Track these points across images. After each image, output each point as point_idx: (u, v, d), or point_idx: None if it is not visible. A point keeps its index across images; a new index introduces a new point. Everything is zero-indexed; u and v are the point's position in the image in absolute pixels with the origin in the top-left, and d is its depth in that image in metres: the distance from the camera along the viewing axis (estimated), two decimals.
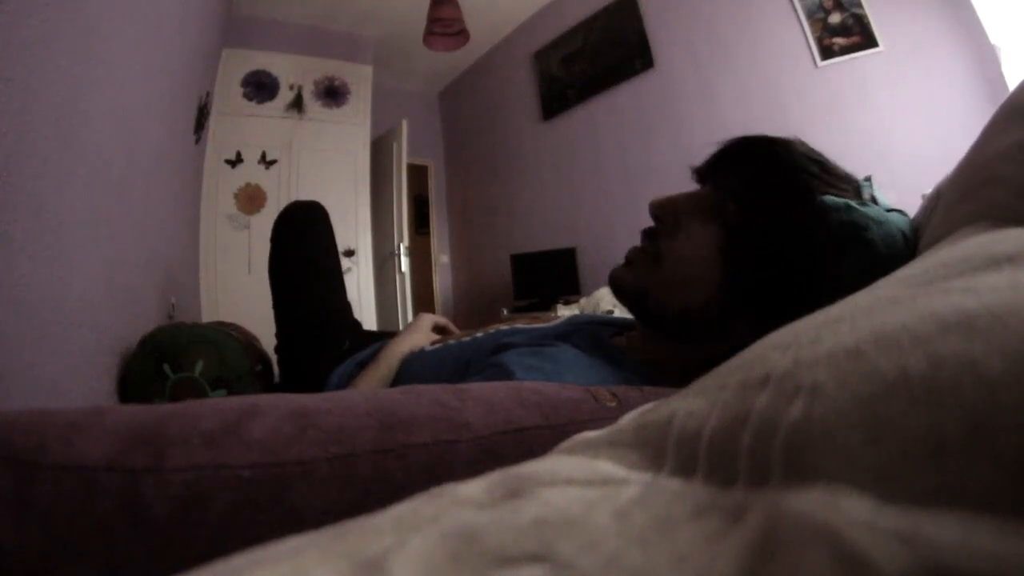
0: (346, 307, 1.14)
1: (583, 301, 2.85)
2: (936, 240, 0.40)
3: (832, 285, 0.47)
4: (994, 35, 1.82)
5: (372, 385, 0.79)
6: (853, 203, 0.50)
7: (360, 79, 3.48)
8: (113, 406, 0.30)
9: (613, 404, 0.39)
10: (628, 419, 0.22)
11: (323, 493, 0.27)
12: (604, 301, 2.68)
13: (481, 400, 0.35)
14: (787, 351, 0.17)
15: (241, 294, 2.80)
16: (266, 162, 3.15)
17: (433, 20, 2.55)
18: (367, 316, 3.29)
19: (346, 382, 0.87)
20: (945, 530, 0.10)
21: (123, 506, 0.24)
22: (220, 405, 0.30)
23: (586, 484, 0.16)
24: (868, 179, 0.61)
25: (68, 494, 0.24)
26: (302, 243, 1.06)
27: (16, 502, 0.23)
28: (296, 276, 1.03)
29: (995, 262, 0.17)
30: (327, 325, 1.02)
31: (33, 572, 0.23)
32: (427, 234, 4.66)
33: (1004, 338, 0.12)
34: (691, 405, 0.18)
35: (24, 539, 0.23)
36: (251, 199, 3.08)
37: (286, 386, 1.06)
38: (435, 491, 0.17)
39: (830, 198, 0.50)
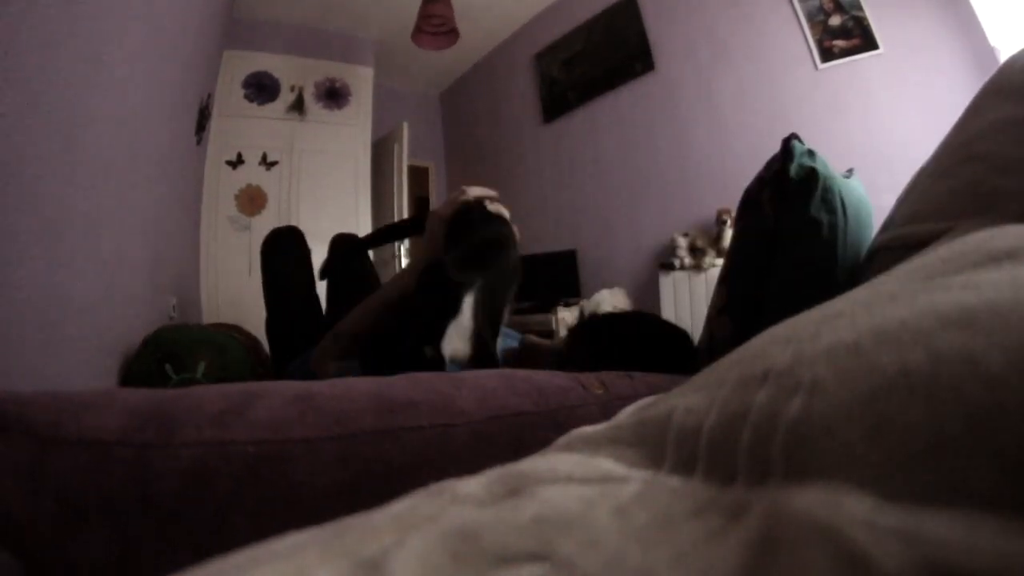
0: (308, 321, 1.23)
1: (583, 303, 2.85)
2: (915, 214, 0.41)
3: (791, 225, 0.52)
4: (993, 37, 1.82)
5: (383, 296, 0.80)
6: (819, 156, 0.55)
7: (361, 81, 3.48)
8: (124, 388, 0.32)
9: (600, 392, 0.40)
10: (627, 415, 0.22)
11: (324, 471, 0.28)
12: (604, 303, 2.68)
13: (476, 387, 0.36)
14: (786, 347, 0.17)
15: (242, 295, 2.79)
16: (267, 163, 3.15)
17: (424, 17, 2.53)
18: None
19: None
20: (946, 529, 0.10)
21: (133, 479, 0.25)
22: (227, 389, 0.31)
23: (586, 482, 0.16)
24: (850, 171, 0.65)
25: (81, 467, 0.25)
26: (267, 268, 1.22)
27: (30, 475, 0.24)
28: (267, 295, 1.20)
29: (995, 258, 0.17)
30: (285, 338, 1.15)
31: (45, 542, 0.23)
32: None
33: (1005, 334, 0.12)
34: (690, 401, 0.18)
35: (37, 510, 0.24)
36: (252, 200, 3.09)
37: None
38: (434, 488, 0.17)
39: (797, 144, 0.56)
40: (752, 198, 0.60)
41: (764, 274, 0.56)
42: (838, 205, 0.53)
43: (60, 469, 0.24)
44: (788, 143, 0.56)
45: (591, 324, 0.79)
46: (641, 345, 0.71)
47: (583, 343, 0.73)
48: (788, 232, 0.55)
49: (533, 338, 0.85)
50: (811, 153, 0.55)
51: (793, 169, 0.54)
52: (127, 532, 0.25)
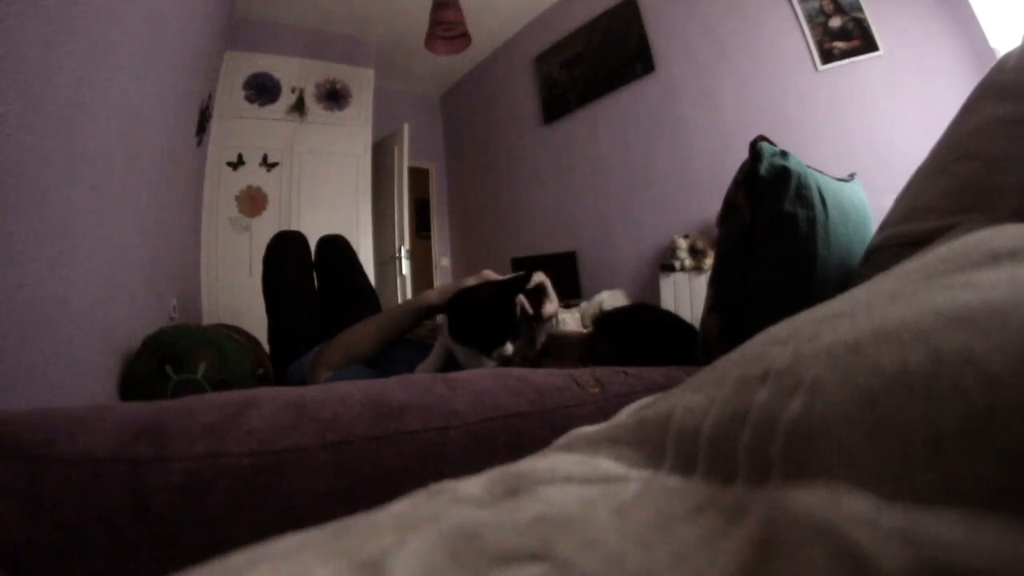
0: (311, 324, 1.25)
1: (584, 304, 2.85)
2: (912, 212, 0.41)
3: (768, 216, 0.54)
4: (993, 38, 1.82)
5: (383, 319, 0.85)
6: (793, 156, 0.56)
7: (362, 82, 3.49)
8: (116, 403, 0.31)
9: (596, 390, 0.40)
10: (626, 414, 0.22)
11: (319, 479, 0.28)
12: (605, 305, 2.68)
13: (470, 388, 0.36)
14: (786, 346, 0.17)
15: (242, 296, 2.80)
16: (267, 165, 3.15)
17: (435, 23, 2.55)
18: None
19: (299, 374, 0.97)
20: (946, 529, 0.10)
21: (128, 495, 0.25)
22: (219, 399, 0.31)
23: (585, 482, 0.16)
24: (852, 175, 0.66)
25: (75, 486, 0.25)
26: (271, 272, 1.25)
27: (26, 497, 0.24)
28: (268, 299, 1.24)
29: (995, 257, 0.17)
30: (287, 342, 1.18)
31: (43, 561, 0.23)
32: (428, 237, 4.67)
33: (1005, 333, 0.12)
34: (690, 401, 0.18)
35: (34, 532, 0.23)
36: (252, 201, 3.09)
37: None
38: (434, 489, 0.17)
39: (767, 146, 0.57)
40: (730, 201, 0.61)
41: (746, 272, 0.57)
42: (815, 199, 0.53)
43: (55, 488, 0.24)
44: (755, 145, 0.57)
45: (616, 314, 0.81)
46: (667, 334, 0.74)
47: (611, 332, 0.75)
48: (763, 229, 0.56)
49: (558, 330, 0.87)
50: (784, 153, 0.56)
51: (763, 168, 0.55)
52: (125, 548, 0.24)
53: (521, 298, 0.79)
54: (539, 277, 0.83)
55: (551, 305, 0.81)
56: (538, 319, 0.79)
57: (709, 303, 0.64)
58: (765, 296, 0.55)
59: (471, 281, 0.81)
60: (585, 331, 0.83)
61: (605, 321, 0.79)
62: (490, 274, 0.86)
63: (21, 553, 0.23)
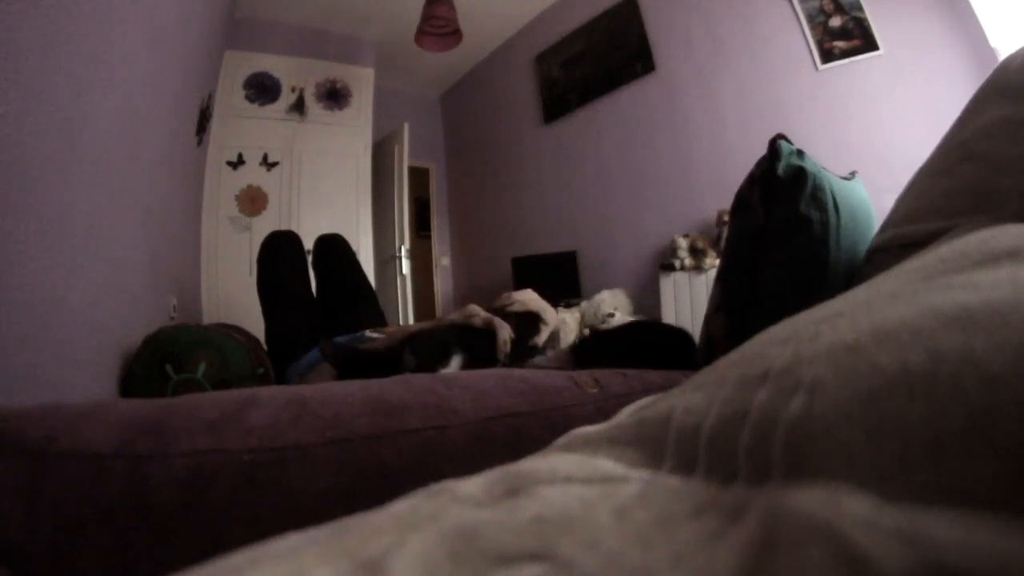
0: (303, 329, 1.24)
1: (584, 304, 2.84)
2: (914, 213, 0.41)
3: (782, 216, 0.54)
4: (993, 37, 1.82)
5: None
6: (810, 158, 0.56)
7: (362, 82, 3.49)
8: (118, 400, 0.31)
9: (595, 391, 0.40)
10: (626, 414, 0.22)
11: (319, 475, 0.28)
12: (605, 304, 2.68)
13: (470, 388, 0.36)
14: (786, 346, 0.17)
15: (242, 296, 2.79)
16: (268, 164, 3.15)
17: (426, 18, 2.50)
18: None
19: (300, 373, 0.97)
20: (946, 529, 0.10)
21: (129, 491, 0.25)
22: (220, 397, 0.31)
23: (586, 482, 0.16)
24: (853, 173, 0.66)
25: (76, 481, 0.25)
26: (266, 272, 1.26)
27: (29, 491, 0.24)
28: (263, 301, 1.25)
29: (995, 258, 0.17)
30: (284, 343, 1.19)
31: (45, 557, 0.23)
32: (428, 237, 4.66)
33: (1005, 333, 0.12)
34: (690, 401, 0.18)
35: (36, 528, 0.23)
36: (252, 201, 3.09)
37: None
38: (434, 489, 0.17)
39: (785, 144, 0.57)
40: (743, 197, 0.60)
41: (757, 272, 0.57)
42: (829, 203, 0.53)
43: (57, 484, 0.24)
44: (775, 143, 0.56)
45: (594, 338, 0.81)
46: (646, 351, 0.73)
47: (588, 357, 0.74)
48: (778, 230, 0.55)
49: (538, 359, 0.86)
50: (800, 153, 0.55)
51: (781, 168, 0.55)
52: (126, 543, 0.24)
53: (503, 338, 0.77)
54: (529, 305, 0.82)
55: (542, 335, 0.80)
56: (525, 346, 0.79)
57: (715, 302, 0.64)
58: (774, 297, 0.54)
59: (454, 316, 0.81)
60: (566, 358, 0.82)
61: (582, 344, 0.78)
62: (475, 309, 0.86)
63: (23, 548, 0.23)
